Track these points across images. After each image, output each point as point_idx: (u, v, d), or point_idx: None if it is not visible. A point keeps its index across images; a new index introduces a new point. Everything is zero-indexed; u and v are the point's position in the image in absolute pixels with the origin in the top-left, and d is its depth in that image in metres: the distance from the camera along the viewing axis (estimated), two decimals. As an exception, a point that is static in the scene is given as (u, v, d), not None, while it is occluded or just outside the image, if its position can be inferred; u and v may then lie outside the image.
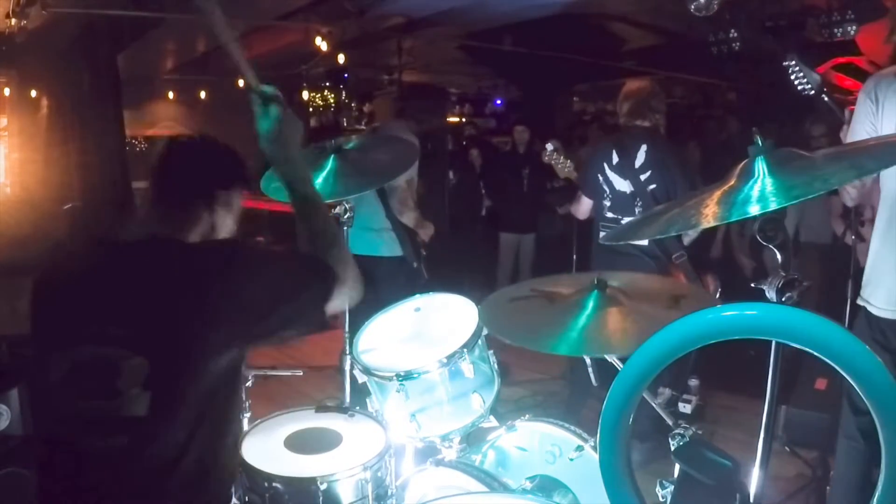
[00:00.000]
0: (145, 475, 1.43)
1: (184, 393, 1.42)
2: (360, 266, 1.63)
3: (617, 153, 3.51)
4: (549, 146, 3.84)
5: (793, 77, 2.78)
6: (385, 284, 3.62)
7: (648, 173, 3.43)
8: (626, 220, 3.48)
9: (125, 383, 1.40)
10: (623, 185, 3.50)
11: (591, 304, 1.84)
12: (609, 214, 3.56)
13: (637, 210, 3.45)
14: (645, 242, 3.36)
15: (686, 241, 3.43)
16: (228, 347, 1.47)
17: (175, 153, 1.69)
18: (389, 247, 3.82)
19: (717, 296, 3.58)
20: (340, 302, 1.57)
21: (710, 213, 1.25)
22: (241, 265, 1.50)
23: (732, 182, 1.29)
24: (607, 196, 3.55)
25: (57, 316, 1.53)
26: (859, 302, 2.42)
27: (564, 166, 3.79)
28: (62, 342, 1.49)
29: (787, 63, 2.77)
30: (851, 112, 2.40)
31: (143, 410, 1.40)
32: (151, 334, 1.43)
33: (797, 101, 2.91)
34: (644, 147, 3.44)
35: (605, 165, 3.54)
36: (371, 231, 3.78)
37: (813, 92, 2.77)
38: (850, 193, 2.47)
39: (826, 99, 2.77)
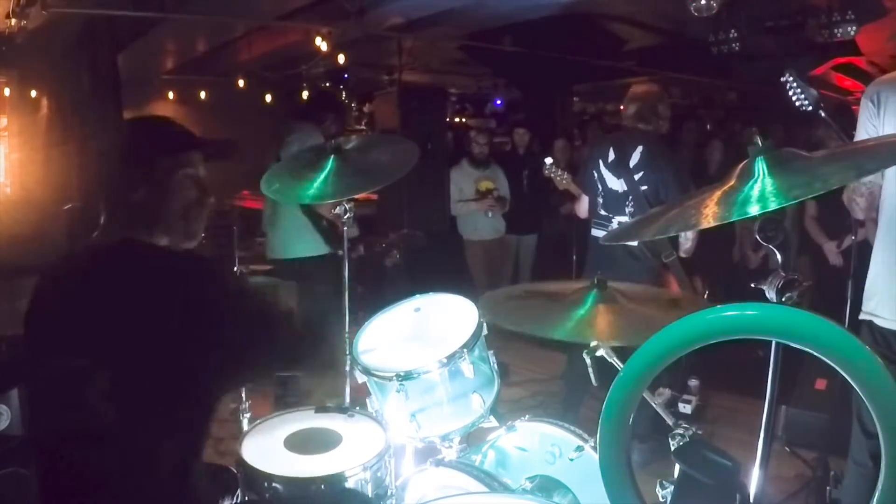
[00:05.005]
0: (124, 483, 1.43)
1: (151, 404, 1.41)
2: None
3: (614, 151, 3.56)
4: (548, 160, 3.90)
5: (791, 93, 2.79)
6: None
7: (641, 174, 3.46)
8: (617, 218, 3.55)
9: (92, 394, 1.40)
10: (616, 184, 3.54)
11: (589, 301, 1.89)
12: (602, 212, 3.62)
13: (628, 209, 3.50)
14: (634, 242, 3.40)
15: (683, 249, 3.44)
16: (182, 364, 1.42)
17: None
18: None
19: (705, 296, 3.63)
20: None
21: (709, 214, 1.25)
22: (216, 281, 1.49)
23: (732, 182, 1.29)
24: (600, 193, 3.61)
25: (40, 323, 1.53)
26: (863, 317, 2.34)
27: (563, 179, 3.83)
28: (43, 350, 1.50)
29: (784, 79, 2.78)
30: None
31: (110, 421, 1.40)
32: (114, 345, 1.41)
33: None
34: (640, 148, 3.48)
35: (601, 163, 3.59)
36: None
37: (811, 108, 2.77)
38: (860, 204, 2.34)
39: (823, 115, 2.76)
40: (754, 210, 1.19)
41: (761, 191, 1.22)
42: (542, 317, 1.94)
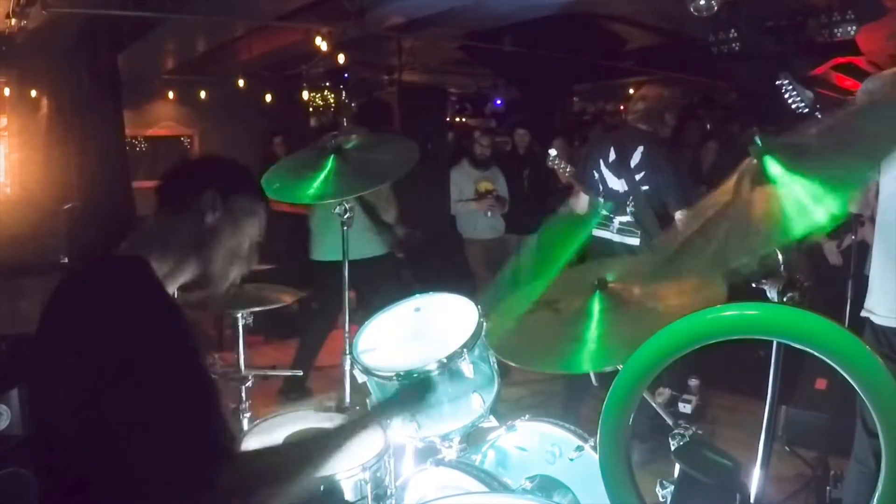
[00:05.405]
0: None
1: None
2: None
3: (614, 151, 3.55)
4: (553, 152, 3.89)
5: (786, 95, 2.81)
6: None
7: (643, 174, 3.46)
8: (618, 218, 3.54)
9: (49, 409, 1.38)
10: (616, 184, 3.55)
11: (597, 308, 1.81)
12: (603, 211, 3.60)
13: (629, 210, 3.49)
14: (636, 242, 3.43)
15: None
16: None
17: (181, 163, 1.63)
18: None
19: None
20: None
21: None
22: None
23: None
24: (601, 193, 3.61)
25: (38, 330, 1.53)
26: (863, 314, 2.37)
27: (566, 171, 3.83)
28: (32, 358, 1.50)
29: (780, 82, 2.79)
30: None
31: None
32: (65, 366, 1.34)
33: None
34: (641, 148, 3.48)
35: (601, 162, 3.59)
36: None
37: (807, 110, 2.79)
38: (854, 197, 2.38)
39: (819, 116, 2.77)
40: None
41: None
42: (557, 345, 1.82)
